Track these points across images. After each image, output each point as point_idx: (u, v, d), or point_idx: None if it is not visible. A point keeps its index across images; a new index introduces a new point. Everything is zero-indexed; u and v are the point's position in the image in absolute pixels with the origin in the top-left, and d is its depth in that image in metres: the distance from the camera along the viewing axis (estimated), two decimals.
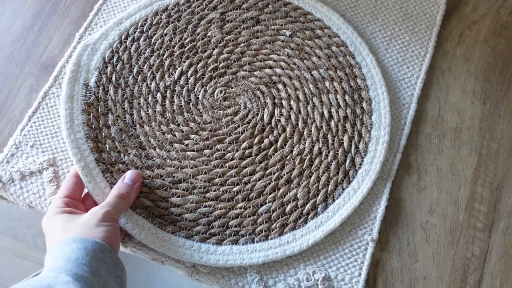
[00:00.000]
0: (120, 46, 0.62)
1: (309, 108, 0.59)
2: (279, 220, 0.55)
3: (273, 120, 0.59)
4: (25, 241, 1.26)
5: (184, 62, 0.62)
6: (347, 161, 0.57)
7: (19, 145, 0.58)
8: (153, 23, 0.63)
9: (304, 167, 0.57)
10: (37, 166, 0.57)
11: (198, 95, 0.60)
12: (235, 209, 0.55)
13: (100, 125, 0.58)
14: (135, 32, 0.63)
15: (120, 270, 0.47)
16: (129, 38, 0.62)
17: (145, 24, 0.63)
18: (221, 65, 0.62)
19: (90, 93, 0.59)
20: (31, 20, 0.67)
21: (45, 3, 0.68)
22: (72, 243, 0.45)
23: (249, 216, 0.55)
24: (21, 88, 0.63)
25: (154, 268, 1.05)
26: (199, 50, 0.62)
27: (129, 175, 0.54)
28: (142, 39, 0.63)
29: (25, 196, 0.56)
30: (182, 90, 0.60)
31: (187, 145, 0.58)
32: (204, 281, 0.55)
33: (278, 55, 0.62)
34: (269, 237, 0.54)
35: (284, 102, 0.60)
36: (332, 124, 0.59)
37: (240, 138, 0.58)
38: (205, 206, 0.55)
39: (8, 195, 0.57)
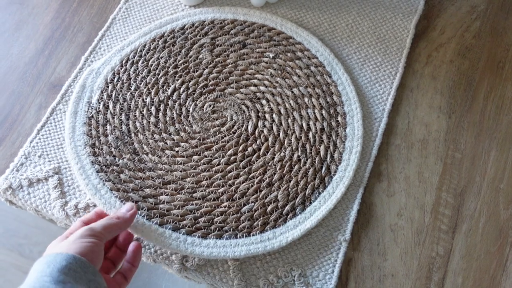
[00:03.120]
0: (121, 69, 0.69)
1: (289, 121, 0.65)
2: (261, 218, 0.59)
3: (256, 131, 0.64)
4: (31, 258, 1.29)
5: (177, 80, 0.68)
6: (323, 168, 0.63)
7: (28, 156, 0.64)
8: (151, 48, 0.70)
9: (284, 172, 0.62)
10: (43, 174, 0.62)
11: (189, 108, 0.66)
12: (220, 208, 0.60)
13: (99, 134, 0.64)
14: (134, 57, 0.70)
15: (93, 273, 0.46)
16: (129, 62, 0.69)
17: (143, 49, 0.70)
18: (210, 83, 0.68)
19: (91, 108, 0.66)
20: (42, 45, 0.73)
21: (55, 30, 0.75)
22: (38, 262, 0.45)
23: (233, 214, 0.59)
24: (31, 105, 0.69)
25: (152, 277, 1.09)
26: (191, 70, 0.69)
27: (124, 206, 0.56)
28: (140, 62, 0.69)
29: (32, 201, 0.61)
30: (175, 104, 0.66)
31: (177, 151, 0.63)
32: (192, 278, 0.59)
33: (262, 74, 0.69)
34: (251, 233, 0.58)
35: (267, 116, 0.66)
36: (310, 135, 0.65)
37: (226, 146, 0.64)
38: (192, 204, 0.60)
39: (17, 200, 0.62)
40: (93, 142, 0.63)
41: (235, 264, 0.58)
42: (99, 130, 0.64)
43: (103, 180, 0.61)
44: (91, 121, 0.65)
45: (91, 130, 0.64)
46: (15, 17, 0.76)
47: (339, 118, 0.66)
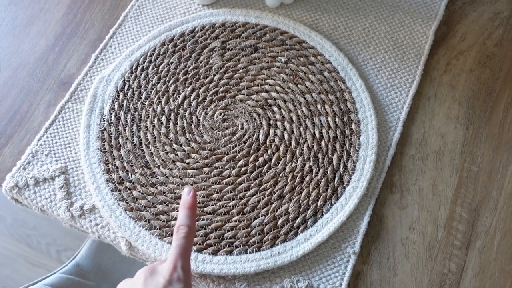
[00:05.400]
0: (131, 76, 0.68)
1: (301, 129, 0.64)
2: (271, 232, 0.59)
3: (267, 140, 0.63)
4: (38, 249, 1.31)
5: (188, 87, 0.67)
6: (336, 179, 0.61)
7: (35, 154, 0.64)
8: (161, 52, 0.69)
9: (295, 183, 0.61)
10: (50, 173, 0.62)
11: (200, 117, 0.65)
12: (231, 222, 0.59)
13: (111, 148, 0.63)
14: (144, 62, 0.68)
15: None
16: (139, 68, 0.68)
17: (153, 54, 0.69)
18: (221, 89, 0.67)
19: (103, 120, 0.65)
20: (53, 41, 0.72)
21: (66, 26, 0.74)
22: None
23: (243, 229, 0.59)
24: (40, 102, 0.68)
25: None
26: (201, 76, 0.68)
27: (181, 207, 0.54)
28: (150, 68, 0.68)
29: (38, 201, 0.61)
30: (185, 113, 0.65)
31: (188, 163, 0.62)
32: (196, 285, 0.59)
33: (274, 80, 0.67)
34: (262, 248, 0.58)
35: (278, 123, 0.64)
36: (323, 144, 0.63)
37: (237, 156, 0.63)
38: (203, 219, 0.59)
39: (23, 199, 0.62)
40: (106, 158, 0.63)
41: (245, 274, 0.57)
42: (112, 144, 0.64)
43: (118, 200, 0.60)
44: (103, 135, 0.64)
45: (104, 145, 0.64)
46: (26, 12, 0.75)
47: (353, 126, 0.64)
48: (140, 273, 0.49)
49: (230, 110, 0.66)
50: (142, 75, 0.68)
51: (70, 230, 1.32)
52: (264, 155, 0.63)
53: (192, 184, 0.61)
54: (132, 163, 0.62)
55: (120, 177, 0.62)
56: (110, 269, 0.87)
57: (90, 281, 0.84)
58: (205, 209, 0.60)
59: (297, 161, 0.62)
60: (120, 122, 0.65)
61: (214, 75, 0.68)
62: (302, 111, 0.65)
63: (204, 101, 0.66)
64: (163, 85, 0.67)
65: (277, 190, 0.61)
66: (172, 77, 0.67)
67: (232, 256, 0.57)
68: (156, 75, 0.68)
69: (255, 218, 0.59)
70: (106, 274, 0.86)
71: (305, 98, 0.66)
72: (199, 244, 0.58)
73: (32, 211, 1.31)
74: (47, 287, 0.77)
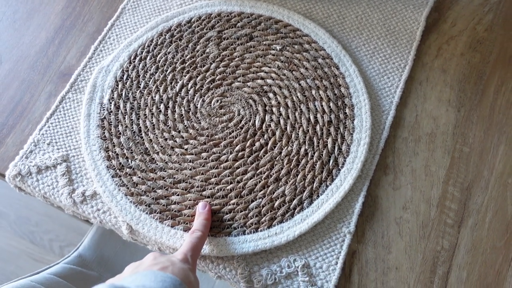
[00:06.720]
0: (130, 66, 0.69)
1: (296, 114, 0.66)
2: (268, 214, 0.60)
3: (264, 125, 0.65)
4: (41, 245, 1.32)
5: (185, 76, 0.68)
6: (331, 161, 0.63)
7: (37, 143, 0.65)
8: (158, 43, 0.71)
9: (291, 166, 0.63)
10: (52, 161, 0.64)
11: (197, 104, 0.67)
12: (229, 205, 0.61)
13: (111, 136, 0.65)
14: (142, 52, 0.70)
15: None
16: (137, 58, 0.70)
17: (151, 44, 0.71)
18: (217, 77, 0.68)
19: (103, 109, 0.67)
20: (53, 34, 0.74)
21: (66, 19, 0.75)
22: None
23: (241, 211, 0.61)
24: (41, 93, 0.70)
25: None
26: (198, 65, 0.69)
27: (197, 216, 0.59)
28: (148, 58, 0.70)
29: (41, 188, 0.63)
30: (183, 101, 0.67)
31: (186, 149, 0.64)
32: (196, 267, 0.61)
33: (269, 67, 0.69)
34: (259, 229, 0.60)
35: (274, 109, 0.66)
36: (318, 128, 0.65)
37: (234, 142, 0.64)
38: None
39: (26, 186, 0.64)
40: (106, 146, 0.65)
41: (243, 255, 0.59)
42: (111, 132, 0.65)
43: (118, 186, 0.62)
44: (103, 123, 0.66)
45: (104, 132, 0.65)
46: (27, 5, 0.77)
47: (347, 110, 0.66)
48: (150, 254, 0.52)
49: (227, 97, 0.67)
50: (140, 65, 0.69)
51: (73, 226, 1.33)
52: (261, 140, 0.64)
53: (191, 170, 0.63)
54: (131, 150, 0.64)
55: (120, 163, 0.63)
56: (112, 260, 0.88)
57: (93, 271, 0.85)
58: (204, 193, 0.61)
59: (292, 145, 0.64)
60: (120, 111, 0.67)
61: (211, 63, 0.69)
62: (297, 97, 0.67)
63: (201, 89, 0.68)
64: (161, 74, 0.69)
65: (273, 173, 0.62)
66: (170, 66, 0.69)
67: (230, 237, 0.59)
68: (154, 65, 0.69)
69: (252, 201, 0.61)
70: (109, 264, 0.87)
71: (300, 84, 0.67)
72: None
73: (34, 208, 1.33)
74: (50, 276, 0.78)
